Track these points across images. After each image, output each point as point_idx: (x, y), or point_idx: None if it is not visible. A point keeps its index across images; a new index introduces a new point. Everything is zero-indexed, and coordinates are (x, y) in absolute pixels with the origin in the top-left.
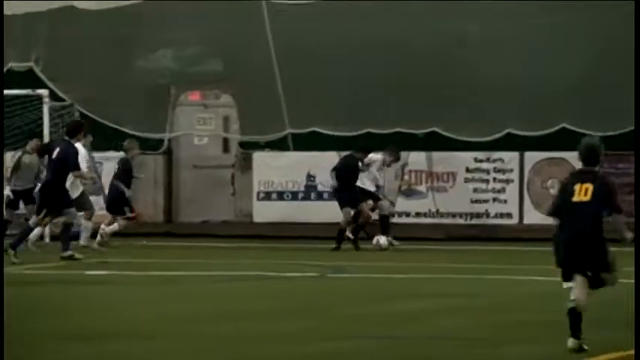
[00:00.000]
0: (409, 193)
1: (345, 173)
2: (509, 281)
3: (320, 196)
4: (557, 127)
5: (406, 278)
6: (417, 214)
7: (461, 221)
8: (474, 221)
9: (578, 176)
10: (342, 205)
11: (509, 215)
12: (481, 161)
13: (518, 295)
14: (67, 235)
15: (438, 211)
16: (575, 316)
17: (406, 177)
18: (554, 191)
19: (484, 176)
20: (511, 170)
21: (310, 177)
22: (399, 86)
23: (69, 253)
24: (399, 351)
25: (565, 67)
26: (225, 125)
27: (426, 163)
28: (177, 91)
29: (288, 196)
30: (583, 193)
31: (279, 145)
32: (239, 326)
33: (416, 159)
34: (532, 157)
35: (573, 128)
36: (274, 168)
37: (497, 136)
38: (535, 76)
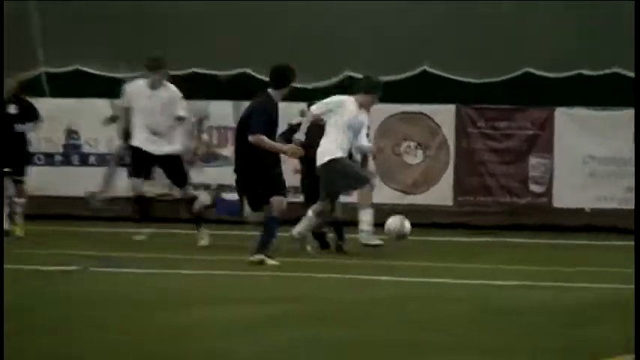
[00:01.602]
0: (209, 158)
1: None
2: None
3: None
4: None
5: (196, 275)
6: (221, 187)
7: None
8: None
9: None
10: None
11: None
12: None
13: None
14: None
15: None
16: None
17: (205, 136)
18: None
19: None
20: None
21: (72, 133)
22: (195, 17)
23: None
24: None
25: None
26: None
27: (234, 116)
28: None
29: (40, 160)
30: None
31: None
32: None
33: (219, 111)
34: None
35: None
36: None
37: (334, 80)
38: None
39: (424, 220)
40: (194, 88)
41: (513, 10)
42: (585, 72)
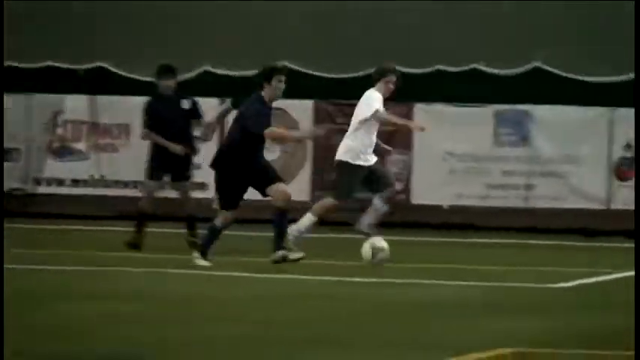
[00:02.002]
0: (63, 152)
1: None
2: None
3: None
4: None
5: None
6: (75, 182)
7: (137, 193)
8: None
9: None
10: None
11: (203, 186)
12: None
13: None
14: None
15: (103, 177)
16: None
17: (60, 130)
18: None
19: None
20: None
21: None
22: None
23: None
24: None
25: None
26: None
27: (89, 111)
28: None
29: None
30: None
31: None
32: None
33: (74, 105)
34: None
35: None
36: None
37: (193, 74)
38: None
39: None
40: (49, 81)
41: (368, 7)
42: (444, 68)
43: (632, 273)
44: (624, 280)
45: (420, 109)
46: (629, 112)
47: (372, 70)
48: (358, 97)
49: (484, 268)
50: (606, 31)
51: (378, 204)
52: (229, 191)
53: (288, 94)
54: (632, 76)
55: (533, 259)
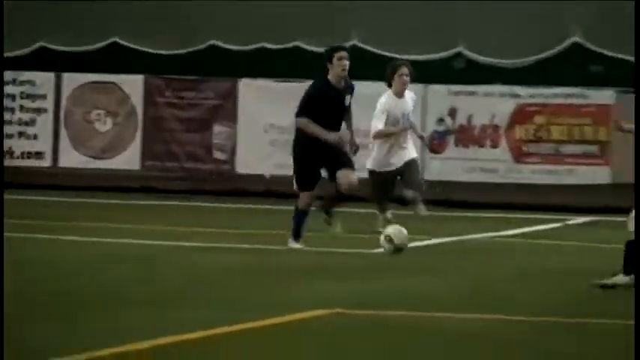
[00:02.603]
0: None
1: None
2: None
3: None
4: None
5: None
6: None
7: None
8: None
9: None
10: None
11: (39, 155)
12: (7, 83)
13: None
14: None
15: None
16: None
17: None
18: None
19: (9, 103)
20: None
21: None
22: None
23: None
24: None
25: None
26: None
27: None
28: None
29: None
30: None
31: None
32: None
33: None
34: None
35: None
36: None
37: (27, 50)
38: None
39: (113, 183)
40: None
41: None
42: (268, 45)
43: (448, 239)
44: (441, 245)
45: (245, 84)
46: (441, 88)
47: (197, 48)
48: (188, 73)
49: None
50: (423, 12)
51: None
52: (304, 173)
53: (119, 69)
54: (443, 54)
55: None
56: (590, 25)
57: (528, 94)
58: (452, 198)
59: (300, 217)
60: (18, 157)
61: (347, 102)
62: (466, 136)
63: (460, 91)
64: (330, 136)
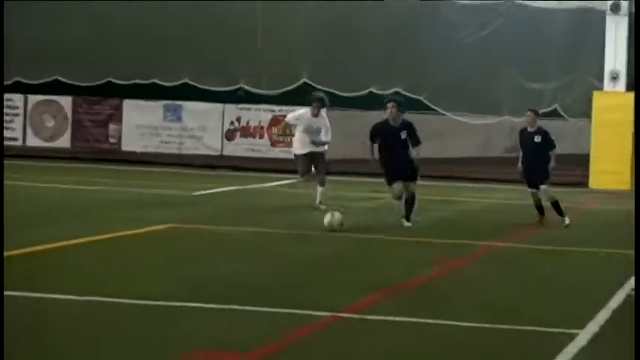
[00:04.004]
0: None
1: None
2: None
3: None
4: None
5: None
6: None
7: None
8: None
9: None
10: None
11: (14, 139)
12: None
13: None
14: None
15: None
16: None
17: None
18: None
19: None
20: (18, 107)
21: None
22: None
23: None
24: None
25: None
26: None
27: None
28: None
29: None
30: None
31: None
32: None
33: None
34: (33, 99)
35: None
36: None
37: (9, 82)
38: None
39: (53, 155)
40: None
41: None
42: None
43: (238, 187)
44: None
45: (127, 103)
46: (232, 106)
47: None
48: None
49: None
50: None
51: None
52: (388, 175)
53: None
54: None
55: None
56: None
57: (279, 109)
58: (237, 165)
59: (407, 204)
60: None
61: (402, 135)
62: (246, 132)
63: (243, 107)
64: (371, 158)
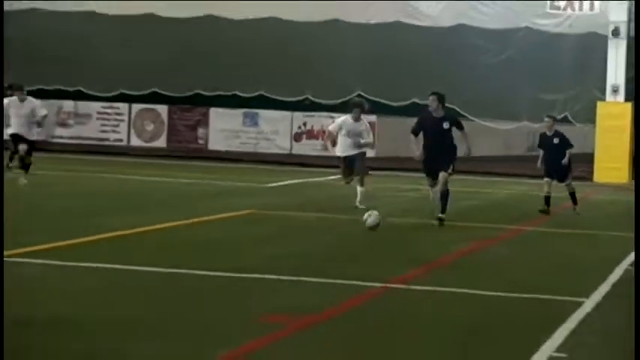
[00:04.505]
0: None
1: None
2: None
3: None
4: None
5: None
6: None
7: None
8: None
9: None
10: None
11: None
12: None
13: None
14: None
15: None
16: None
17: None
18: (148, 127)
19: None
20: (123, 114)
21: None
22: None
23: None
24: None
25: None
26: None
27: None
28: None
29: None
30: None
31: None
32: None
33: None
34: (136, 107)
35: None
36: None
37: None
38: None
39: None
40: None
41: None
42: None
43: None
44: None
45: None
46: None
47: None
48: None
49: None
50: None
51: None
52: (426, 172)
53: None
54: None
55: None
56: None
57: (337, 116)
58: (303, 162)
59: (443, 197)
60: None
61: (445, 126)
62: (311, 134)
63: (308, 114)
64: (414, 153)
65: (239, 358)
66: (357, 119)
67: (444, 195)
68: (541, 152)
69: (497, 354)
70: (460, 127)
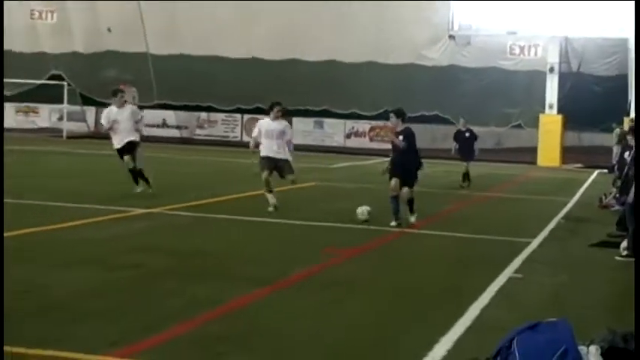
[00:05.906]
0: None
1: None
2: None
3: None
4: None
5: None
6: None
7: None
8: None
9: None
10: None
11: (236, 137)
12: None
13: None
14: None
15: None
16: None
17: None
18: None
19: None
20: (237, 121)
21: None
22: None
23: None
24: None
25: None
26: None
27: None
28: None
29: None
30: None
31: None
32: None
33: None
34: (246, 117)
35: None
36: None
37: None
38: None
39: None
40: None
41: None
42: None
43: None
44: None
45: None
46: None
47: None
48: None
49: None
50: None
51: None
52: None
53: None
54: None
55: None
56: None
57: (375, 123)
58: (352, 152)
59: (411, 202)
60: None
61: (401, 139)
62: (357, 134)
63: (355, 122)
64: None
65: (312, 274)
66: (396, 124)
67: (410, 202)
68: (454, 144)
69: (476, 274)
70: (409, 140)
